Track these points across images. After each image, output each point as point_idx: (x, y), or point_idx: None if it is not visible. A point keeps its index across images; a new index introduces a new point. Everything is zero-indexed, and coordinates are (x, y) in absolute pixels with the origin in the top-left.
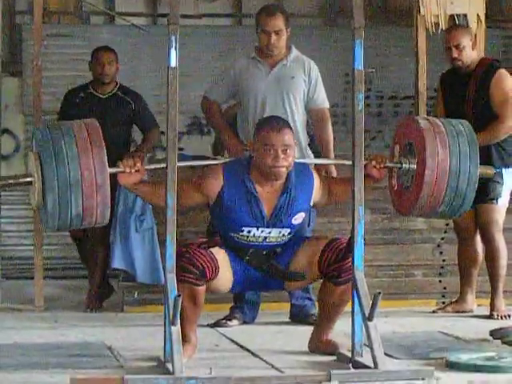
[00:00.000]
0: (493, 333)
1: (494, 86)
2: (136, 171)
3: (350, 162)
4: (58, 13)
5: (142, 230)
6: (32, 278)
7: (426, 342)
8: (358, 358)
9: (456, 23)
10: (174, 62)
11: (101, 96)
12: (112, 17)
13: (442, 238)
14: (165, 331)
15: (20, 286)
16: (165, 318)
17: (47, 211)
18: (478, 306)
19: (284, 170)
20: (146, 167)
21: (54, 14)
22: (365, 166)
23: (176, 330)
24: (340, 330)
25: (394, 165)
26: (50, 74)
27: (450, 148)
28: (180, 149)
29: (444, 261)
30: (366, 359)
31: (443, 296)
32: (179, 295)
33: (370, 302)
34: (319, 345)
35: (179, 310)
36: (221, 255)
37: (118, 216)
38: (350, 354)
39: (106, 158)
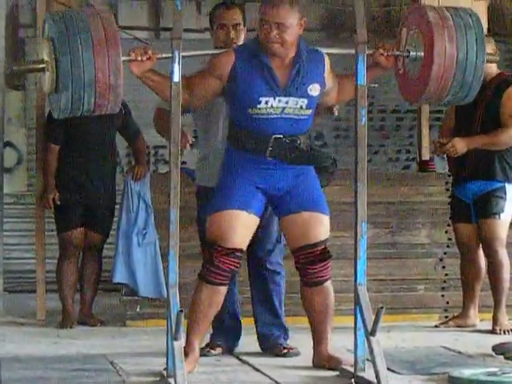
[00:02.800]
0: (495, 348)
1: (505, 99)
2: (147, 59)
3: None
4: None
5: (145, 244)
6: (34, 292)
7: (429, 357)
8: (360, 374)
9: None
10: (177, 77)
11: None
12: None
13: (445, 253)
14: (167, 346)
15: (22, 299)
16: (167, 332)
17: (59, 106)
18: (481, 320)
19: (277, 46)
20: (158, 56)
21: None
22: (372, 54)
23: (178, 344)
24: (342, 346)
25: (402, 53)
26: None
27: (457, 42)
28: (183, 162)
29: (446, 275)
30: (369, 374)
31: (446, 310)
32: (181, 310)
33: (373, 317)
34: (321, 360)
35: (182, 324)
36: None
37: (120, 230)
38: (352, 369)
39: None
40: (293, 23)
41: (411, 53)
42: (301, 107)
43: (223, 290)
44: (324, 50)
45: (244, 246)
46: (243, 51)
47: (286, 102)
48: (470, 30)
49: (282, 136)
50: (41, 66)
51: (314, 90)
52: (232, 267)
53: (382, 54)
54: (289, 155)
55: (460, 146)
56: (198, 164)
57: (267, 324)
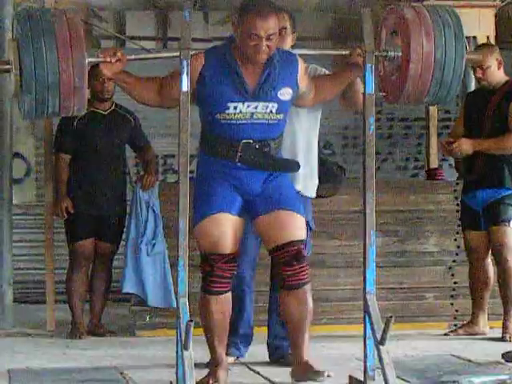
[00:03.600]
0: (505, 355)
1: None
2: (117, 60)
3: (347, 52)
4: None
5: (153, 254)
6: (44, 303)
7: (438, 366)
8: (370, 383)
9: (479, 43)
10: (185, 87)
11: (103, 112)
12: (123, 40)
13: (454, 261)
14: (177, 356)
15: (32, 310)
16: (177, 342)
17: (24, 108)
18: (491, 328)
19: (265, 56)
20: (128, 57)
21: None
22: (350, 54)
23: (188, 354)
24: (352, 354)
25: (380, 53)
26: None
27: (435, 40)
28: (191, 171)
29: (455, 283)
30: (379, 383)
31: (455, 318)
32: (191, 320)
33: (382, 326)
34: (296, 369)
35: (191, 334)
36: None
37: (129, 240)
38: (361, 378)
39: (87, 64)
40: (277, 31)
41: (389, 53)
42: (271, 111)
43: (229, 295)
44: (318, 52)
45: (236, 248)
46: (213, 53)
47: (255, 107)
48: (449, 28)
49: (251, 141)
50: (6, 66)
51: (286, 93)
52: (233, 272)
53: (360, 55)
54: (258, 161)
55: (466, 146)
56: None
57: (278, 337)
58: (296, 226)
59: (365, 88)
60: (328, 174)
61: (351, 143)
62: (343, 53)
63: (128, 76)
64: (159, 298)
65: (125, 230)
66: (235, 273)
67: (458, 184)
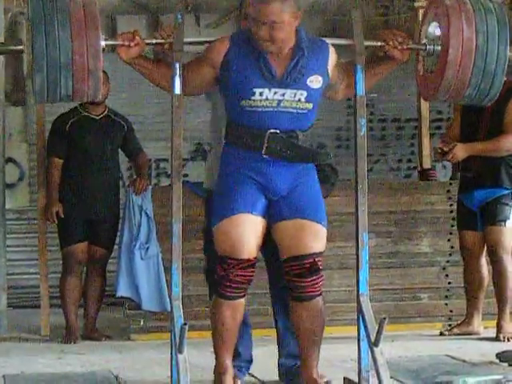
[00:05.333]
0: (499, 355)
1: (510, 107)
2: (135, 44)
3: (352, 42)
4: None
5: (147, 257)
6: (38, 307)
7: (433, 366)
8: None
9: None
10: (178, 89)
11: (95, 117)
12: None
13: (448, 261)
14: (171, 359)
15: (26, 314)
16: (171, 345)
17: (35, 89)
18: (485, 328)
19: (268, 44)
20: (147, 41)
21: None
22: (384, 45)
23: (183, 358)
24: (346, 355)
25: (418, 46)
26: None
27: (476, 26)
28: (184, 175)
29: (449, 283)
30: None
31: (449, 319)
32: (185, 323)
33: (376, 327)
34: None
35: (185, 337)
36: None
37: (122, 244)
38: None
39: (101, 44)
40: (285, 19)
41: (428, 46)
42: (299, 100)
43: (243, 301)
44: (348, 42)
45: (257, 252)
46: (239, 38)
47: (283, 95)
48: (491, 15)
49: (278, 131)
50: (18, 47)
51: (316, 81)
52: (249, 278)
53: (396, 47)
54: (286, 152)
55: (461, 153)
56: (208, 165)
57: (291, 356)
58: (315, 239)
59: (356, 89)
60: (321, 175)
61: (344, 144)
62: (377, 44)
63: (145, 61)
64: (153, 302)
65: (118, 234)
66: (252, 279)
67: (451, 184)
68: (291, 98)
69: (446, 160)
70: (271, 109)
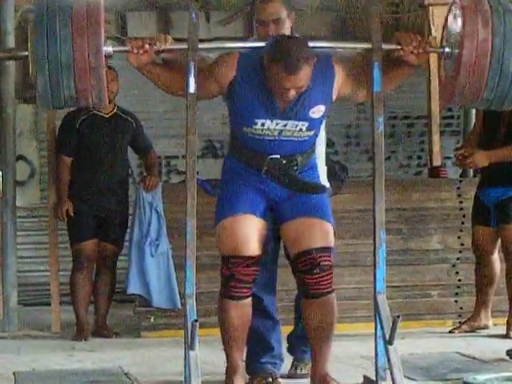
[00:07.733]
0: (510, 352)
1: None
2: (144, 52)
3: (369, 45)
4: None
5: (157, 254)
6: (49, 305)
7: (443, 363)
8: (381, 383)
9: None
10: (192, 88)
11: (105, 115)
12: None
13: (458, 258)
14: (185, 356)
15: (37, 312)
16: (185, 343)
17: (38, 92)
18: (495, 325)
19: (292, 96)
20: (156, 49)
21: None
22: (400, 49)
23: (194, 354)
24: (356, 352)
25: (435, 49)
26: None
27: (493, 27)
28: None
29: (460, 281)
30: (387, 382)
31: (459, 316)
32: (196, 320)
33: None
34: (314, 381)
35: (197, 334)
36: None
37: (133, 242)
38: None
39: (103, 41)
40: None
41: (446, 49)
42: (300, 130)
43: (250, 300)
44: (340, 45)
45: (260, 251)
46: (246, 64)
47: (284, 125)
48: (510, 16)
49: (278, 156)
50: (24, 53)
51: (317, 111)
52: (254, 276)
53: (412, 52)
54: (284, 180)
55: (481, 161)
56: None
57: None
58: (322, 234)
59: (372, 86)
60: (330, 173)
61: (354, 142)
62: (394, 47)
63: (154, 67)
64: (164, 299)
65: (128, 231)
66: (257, 278)
67: (461, 182)
68: (293, 129)
69: (466, 167)
70: (272, 137)
